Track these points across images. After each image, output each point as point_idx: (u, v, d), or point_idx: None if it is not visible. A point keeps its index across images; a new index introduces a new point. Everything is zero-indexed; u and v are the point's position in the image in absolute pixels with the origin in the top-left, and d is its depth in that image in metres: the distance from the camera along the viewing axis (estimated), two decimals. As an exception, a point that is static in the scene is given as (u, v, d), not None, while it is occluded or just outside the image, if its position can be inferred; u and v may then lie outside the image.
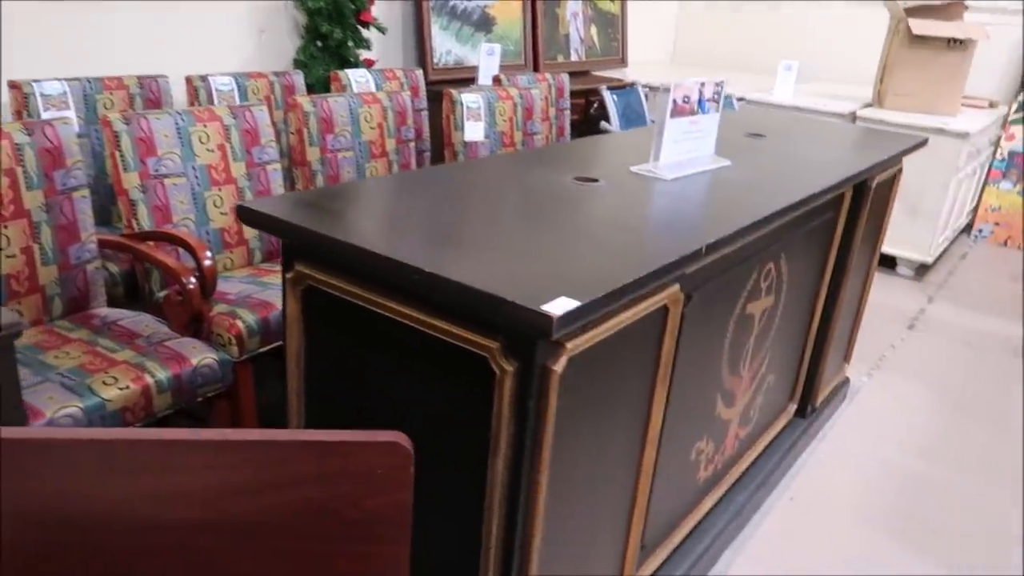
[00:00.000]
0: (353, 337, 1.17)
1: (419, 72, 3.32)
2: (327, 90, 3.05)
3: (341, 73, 2.98)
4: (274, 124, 2.38)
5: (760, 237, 1.60)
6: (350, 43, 3.24)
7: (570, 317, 0.91)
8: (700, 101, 1.64)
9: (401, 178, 1.48)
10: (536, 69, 4.27)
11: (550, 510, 1.12)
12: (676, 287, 1.23)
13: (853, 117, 3.92)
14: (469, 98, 2.82)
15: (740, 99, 4.16)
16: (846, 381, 2.70)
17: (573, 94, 4.04)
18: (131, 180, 2.00)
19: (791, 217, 1.72)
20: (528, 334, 0.94)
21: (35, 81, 2.31)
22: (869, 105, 4.11)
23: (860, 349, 3.06)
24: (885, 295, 3.72)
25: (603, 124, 4.06)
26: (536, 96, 3.07)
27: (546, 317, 0.87)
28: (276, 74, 2.91)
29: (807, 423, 2.38)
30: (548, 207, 1.35)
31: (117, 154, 1.98)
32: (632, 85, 4.37)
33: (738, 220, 1.37)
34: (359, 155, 2.60)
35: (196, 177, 2.13)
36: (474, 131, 2.85)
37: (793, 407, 2.33)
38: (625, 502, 1.37)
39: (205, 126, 2.16)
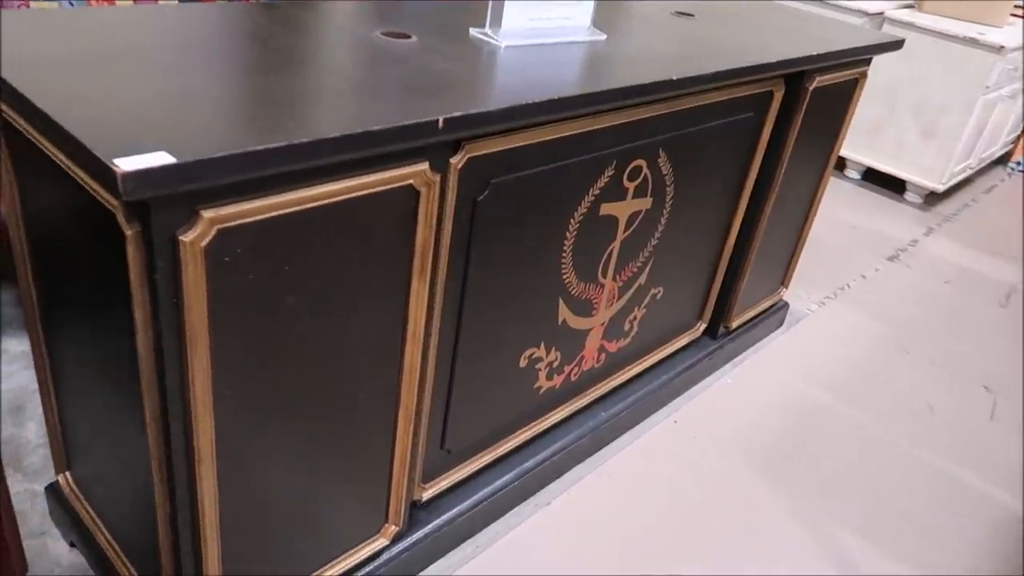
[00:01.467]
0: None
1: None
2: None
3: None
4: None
5: (611, 128, 1.38)
6: None
7: (166, 176, 0.75)
8: (566, -42, 1.39)
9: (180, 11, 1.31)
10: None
11: (235, 417, 1.00)
12: (425, 166, 1.05)
13: (881, 20, 3.49)
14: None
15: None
16: (783, 305, 2.48)
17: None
18: (-10, 2, 1.86)
19: (671, 110, 1.49)
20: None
21: None
22: (909, 6, 3.66)
23: (822, 275, 2.83)
24: (879, 221, 3.42)
25: None
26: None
27: (110, 171, 0.71)
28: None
29: (717, 345, 2.20)
30: (301, 58, 1.16)
31: (-25, -29, 1.83)
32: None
33: (542, 97, 1.16)
34: None
35: (71, 4, 1.98)
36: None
37: (701, 327, 2.14)
38: (389, 404, 1.25)
39: (85, -50, 1.98)
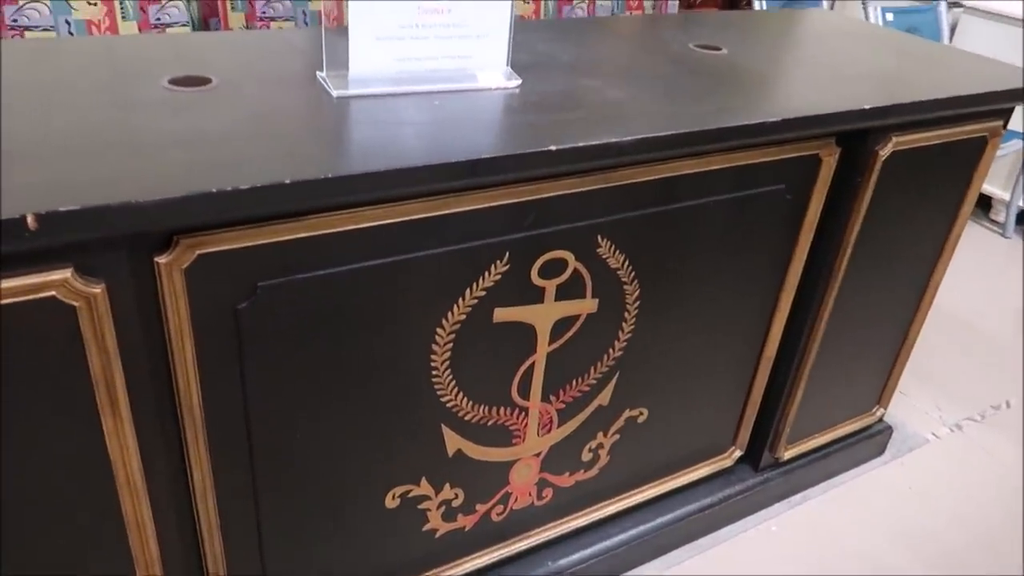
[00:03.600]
0: None
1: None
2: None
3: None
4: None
5: (494, 210, 0.99)
6: None
7: None
8: (451, -25, 1.01)
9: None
10: (683, -56, 3.41)
11: None
12: (66, 273, 0.74)
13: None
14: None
15: None
16: (882, 429, 1.86)
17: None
18: (-17, 29, 1.82)
19: (613, 184, 1.06)
20: None
21: (-9, -85, 2.19)
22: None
23: (965, 382, 2.13)
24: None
25: None
26: (579, -27, 2.38)
27: None
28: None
29: (760, 479, 1.66)
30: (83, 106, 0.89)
31: (-30, -2, 1.80)
32: (811, -26, 3.34)
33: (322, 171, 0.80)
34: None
35: (71, 34, 1.90)
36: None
37: (735, 453, 1.62)
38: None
39: (88, -25, 1.89)
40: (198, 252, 0.83)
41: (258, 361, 0.93)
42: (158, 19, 1.96)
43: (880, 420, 1.84)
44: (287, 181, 0.78)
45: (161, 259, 0.81)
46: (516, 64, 1.15)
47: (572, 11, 2.40)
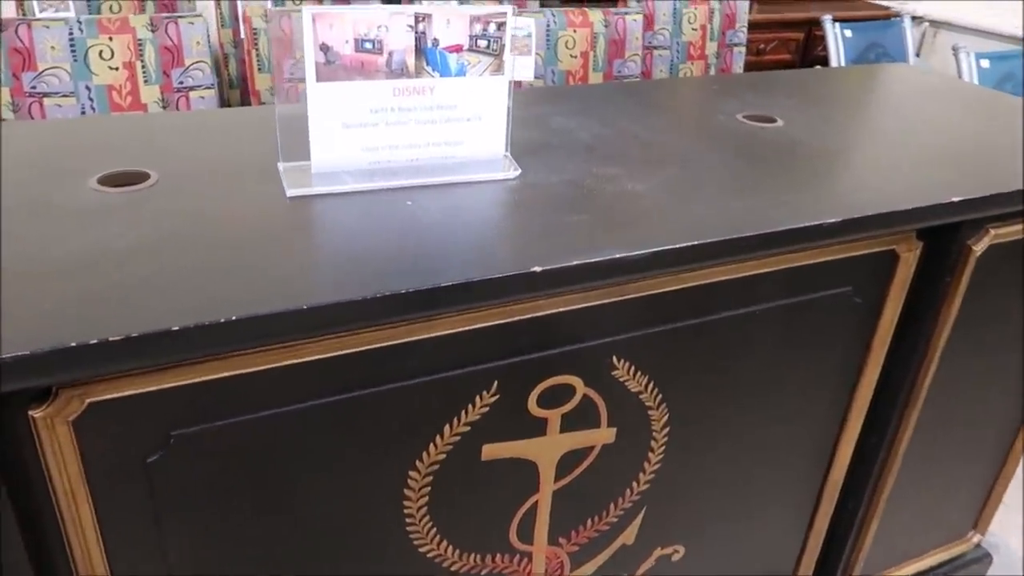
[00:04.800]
0: None
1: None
2: None
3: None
4: (221, 44, 1.97)
5: (478, 332, 0.80)
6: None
7: None
8: (431, 49, 0.85)
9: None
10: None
11: None
12: None
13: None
14: (514, 23, 2.09)
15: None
16: (979, 557, 1.56)
17: (790, 24, 2.99)
18: (2, 96, 1.76)
19: (630, 296, 0.86)
20: None
21: (32, -21, 2.18)
22: None
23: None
24: None
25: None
26: (632, 26, 2.20)
27: None
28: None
29: (828, 617, 1.40)
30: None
31: (-10, 65, 1.75)
32: (895, 17, 3.08)
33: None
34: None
35: (91, 100, 1.83)
36: (519, 68, 2.13)
37: (797, 586, 1.37)
38: None
39: (111, 39, 1.82)
40: (88, 401, 0.67)
41: (179, 522, 0.76)
42: (181, 82, 1.88)
43: (977, 546, 1.55)
44: (175, 328, 0.62)
45: (37, 413, 0.66)
46: (522, 145, 0.98)
47: (624, 65, 2.22)
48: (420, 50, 0.84)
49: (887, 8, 3.33)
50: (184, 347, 0.64)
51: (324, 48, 0.82)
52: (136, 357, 0.64)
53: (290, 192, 0.83)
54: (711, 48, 2.59)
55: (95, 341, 0.61)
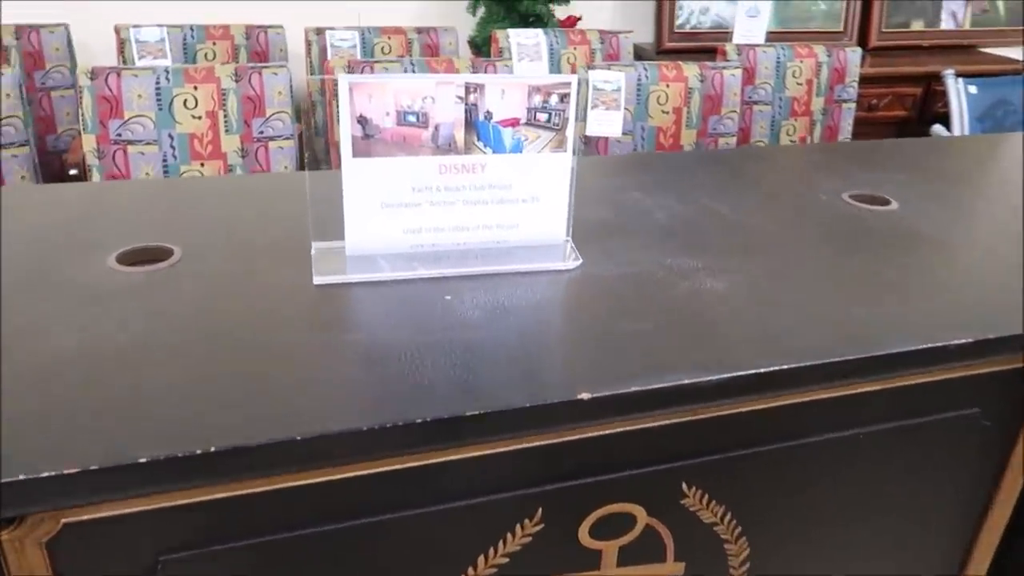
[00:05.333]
0: None
1: (624, 37, 2.51)
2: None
3: (501, 33, 2.38)
4: (310, 93, 1.94)
5: (523, 452, 0.69)
6: (539, -5, 2.58)
7: None
8: (482, 122, 0.75)
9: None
10: (864, 40, 2.99)
11: None
12: None
13: None
14: (602, 76, 1.99)
15: None
16: None
17: (906, 79, 2.79)
18: (88, 143, 1.78)
19: (700, 417, 0.73)
20: None
21: (134, 26, 2.24)
22: None
23: None
24: None
25: (935, 128, 2.70)
26: (730, 80, 2.06)
27: None
28: (419, 30, 2.44)
29: None
30: None
31: (80, 112, 1.77)
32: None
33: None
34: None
35: (172, 148, 1.83)
36: (605, 123, 2.02)
37: None
38: None
39: (195, 88, 1.82)
40: (64, 521, 0.59)
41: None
42: (261, 132, 1.86)
43: None
44: (161, 457, 0.53)
45: (5, 534, 0.58)
46: (588, 227, 0.86)
47: (720, 122, 2.08)
48: (470, 123, 0.74)
49: (1017, 62, 3.06)
50: (169, 478, 0.55)
51: (362, 120, 0.73)
52: (117, 488, 0.55)
53: (317, 280, 0.74)
54: (817, 104, 2.42)
55: (73, 471, 0.53)
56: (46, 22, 2.23)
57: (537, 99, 0.76)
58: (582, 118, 2.03)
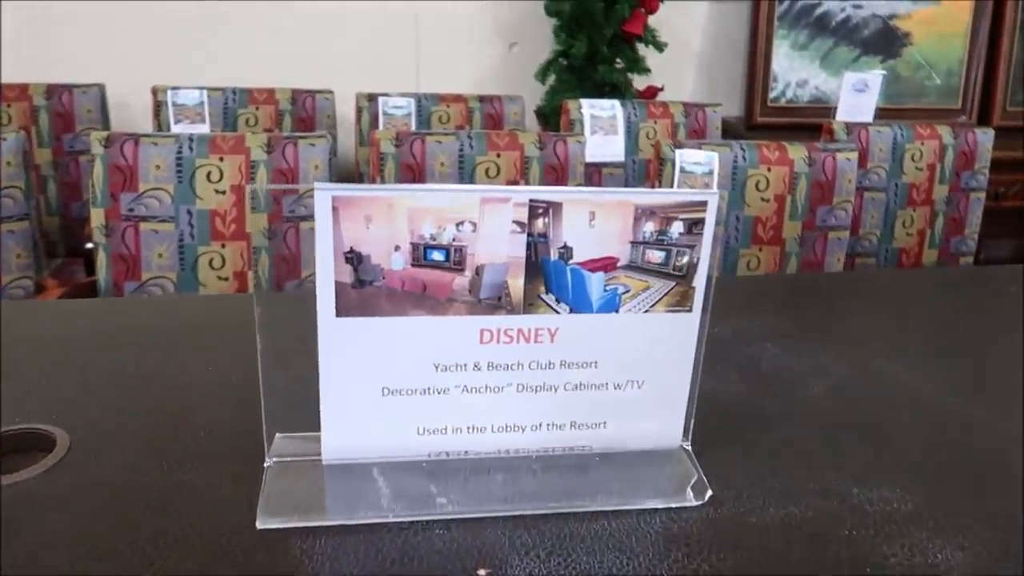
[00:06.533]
0: None
1: (712, 111, 2.21)
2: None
3: (573, 103, 2.12)
4: (357, 163, 1.70)
5: None
6: (618, 63, 2.33)
7: None
8: (556, 263, 0.45)
9: None
10: (986, 118, 2.64)
11: None
12: None
13: None
14: (691, 156, 1.70)
15: None
16: None
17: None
18: (96, 218, 1.56)
19: None
20: None
21: (172, 88, 2.05)
22: None
23: None
24: None
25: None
26: (843, 165, 1.74)
27: None
28: (482, 98, 2.20)
29: None
30: None
31: (90, 184, 1.56)
32: None
33: None
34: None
35: (191, 226, 1.59)
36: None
37: None
38: None
39: (221, 160, 1.59)
40: None
41: None
42: (291, 211, 1.62)
43: None
44: None
45: None
46: (703, 410, 0.54)
47: (831, 213, 1.75)
48: (535, 265, 0.44)
49: None
50: None
51: (353, 258, 0.44)
52: None
53: (262, 523, 0.44)
54: (939, 192, 2.07)
55: None
56: (80, 81, 2.06)
57: (649, 227, 0.46)
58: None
